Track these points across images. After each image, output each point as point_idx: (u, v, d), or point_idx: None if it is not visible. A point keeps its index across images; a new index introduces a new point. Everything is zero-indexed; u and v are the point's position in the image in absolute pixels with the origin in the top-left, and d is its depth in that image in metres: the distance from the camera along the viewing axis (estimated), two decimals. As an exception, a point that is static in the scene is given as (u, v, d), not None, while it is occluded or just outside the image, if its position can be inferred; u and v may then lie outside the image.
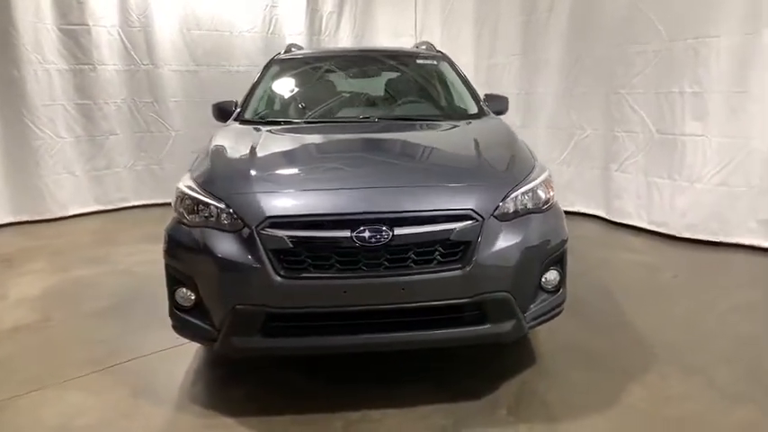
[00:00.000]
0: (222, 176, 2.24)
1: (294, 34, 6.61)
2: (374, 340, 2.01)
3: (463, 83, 3.48)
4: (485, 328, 2.05)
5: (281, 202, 2.04)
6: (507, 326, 2.07)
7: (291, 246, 1.95)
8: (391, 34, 7.01)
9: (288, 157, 2.50)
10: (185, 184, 2.25)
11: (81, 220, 5.47)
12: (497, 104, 3.35)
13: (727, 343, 2.70)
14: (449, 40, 6.10)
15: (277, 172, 2.32)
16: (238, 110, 3.23)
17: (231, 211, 2.05)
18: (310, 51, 4.28)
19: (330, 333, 2.01)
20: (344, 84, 3.57)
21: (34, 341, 2.93)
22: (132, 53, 5.69)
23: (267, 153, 2.46)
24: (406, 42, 6.85)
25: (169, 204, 5.66)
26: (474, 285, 1.99)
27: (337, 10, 6.95)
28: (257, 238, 1.96)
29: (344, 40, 7.04)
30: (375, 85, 3.58)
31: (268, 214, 1.98)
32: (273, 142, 2.68)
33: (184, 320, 2.19)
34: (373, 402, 2.21)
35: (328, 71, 3.64)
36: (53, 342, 2.92)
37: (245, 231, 1.99)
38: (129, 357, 2.69)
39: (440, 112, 3.24)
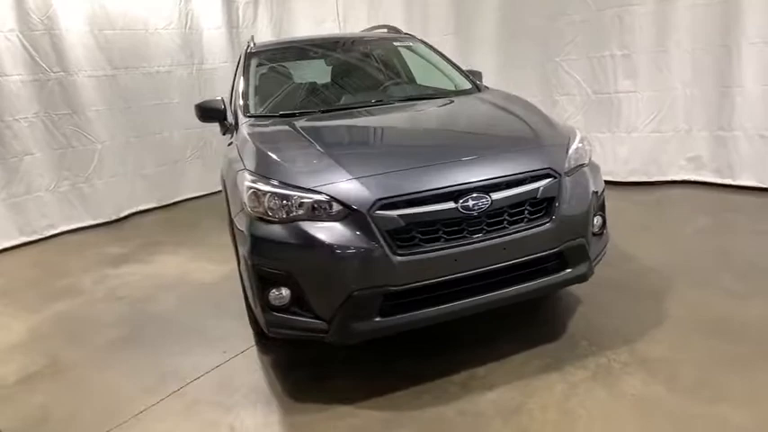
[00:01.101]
0: (305, 169, 2.20)
1: (212, 28, 6.30)
2: (481, 301, 2.16)
3: (446, 60, 3.67)
4: (567, 272, 2.30)
5: (385, 184, 2.08)
6: (583, 268, 2.35)
7: (404, 224, 2.02)
8: (312, 22, 6.95)
9: (357, 143, 2.52)
10: (261, 182, 2.18)
11: (9, 256, 4.80)
12: (476, 78, 3.60)
13: (711, 257, 3.27)
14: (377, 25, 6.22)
15: (359, 157, 2.33)
16: (240, 106, 3.10)
17: (334, 200, 2.05)
18: (283, 42, 4.18)
19: (443, 302, 2.12)
20: (337, 71, 3.58)
21: (61, 386, 2.63)
22: (39, 60, 5.03)
23: (332, 142, 2.46)
24: (330, 28, 6.87)
25: (106, 224, 5.23)
26: (559, 236, 2.23)
27: (253, 0, 6.73)
28: (371, 222, 2.00)
29: (263, 30, 6.84)
30: (365, 70, 3.64)
31: (377, 197, 2.02)
32: (325, 132, 2.66)
33: (283, 319, 2.15)
34: (471, 362, 2.38)
35: (314, 60, 3.62)
36: (85, 382, 2.64)
37: (355, 217, 2.02)
38: (189, 379, 2.54)
39: (441, 89, 3.39)
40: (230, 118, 3.31)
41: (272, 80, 3.48)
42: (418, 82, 3.58)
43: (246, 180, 2.24)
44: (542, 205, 2.21)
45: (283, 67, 3.63)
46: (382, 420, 2.09)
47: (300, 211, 2.08)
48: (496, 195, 2.11)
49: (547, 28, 5.01)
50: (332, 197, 2.06)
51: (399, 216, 2.02)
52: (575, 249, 2.29)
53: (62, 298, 3.70)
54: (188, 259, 4.24)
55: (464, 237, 2.09)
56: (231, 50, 6.51)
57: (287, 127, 2.71)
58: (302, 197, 2.09)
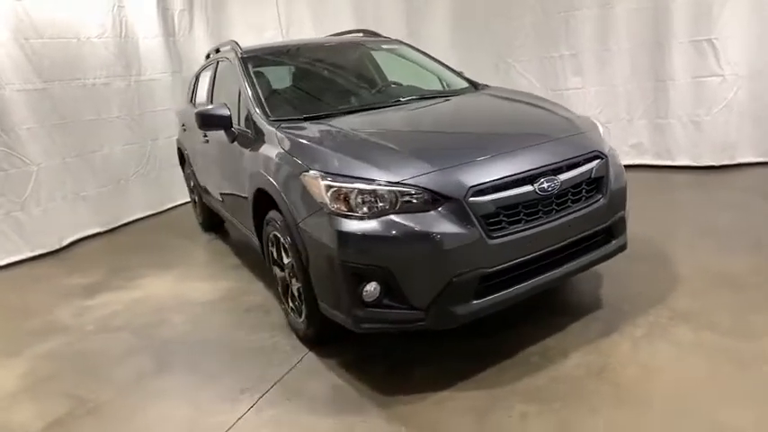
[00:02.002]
0: (384, 164, 2.23)
1: (149, 37, 5.94)
2: (555, 275, 2.34)
3: (436, 61, 3.85)
4: (612, 244, 2.57)
5: (474, 172, 2.17)
6: (623, 239, 2.63)
7: (494, 209, 2.15)
8: (253, 29, 6.79)
9: (412, 137, 2.57)
10: (343, 181, 2.18)
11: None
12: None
13: (683, 226, 3.77)
14: (324, 33, 6.25)
15: (430, 149, 2.38)
16: (258, 112, 3.00)
17: (426, 190, 2.11)
18: (274, 46, 4.07)
19: (525, 279, 2.26)
20: (338, 74, 3.59)
21: (109, 424, 2.38)
22: (-42, 74, 4.43)
23: (391, 137, 2.50)
24: (272, 36, 6.76)
25: (48, 255, 4.75)
26: (610, 211, 2.49)
27: (188, 7, 6.44)
28: (467, 208, 2.10)
29: (201, 39, 6.56)
30: (364, 72, 3.70)
31: (471, 184, 2.12)
32: (375, 129, 2.69)
33: (376, 313, 2.17)
34: (536, 337, 2.55)
35: (315, 63, 3.61)
36: (137, 416, 2.41)
37: (450, 205, 2.10)
38: (257, 393, 2.44)
39: (446, 88, 3.54)
40: (236, 125, 3.21)
41: (279, 84, 3.42)
42: (424, 81, 3.69)
43: (324, 180, 2.22)
44: (595, 184, 2.46)
45: (283, 71, 3.58)
46: (485, 398, 2.18)
47: (391, 205, 2.12)
48: (563, 177, 2.31)
49: (498, 31, 5.40)
50: (424, 188, 2.12)
51: (490, 201, 2.14)
52: (619, 222, 2.57)
53: (44, 337, 3.31)
54: (176, 280, 3.98)
55: (539, 217, 2.26)
56: (170, 60, 6.18)
57: (330, 127, 2.70)
58: (392, 191, 2.12)
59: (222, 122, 3.17)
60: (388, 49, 3.96)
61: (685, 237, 3.55)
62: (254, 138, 2.96)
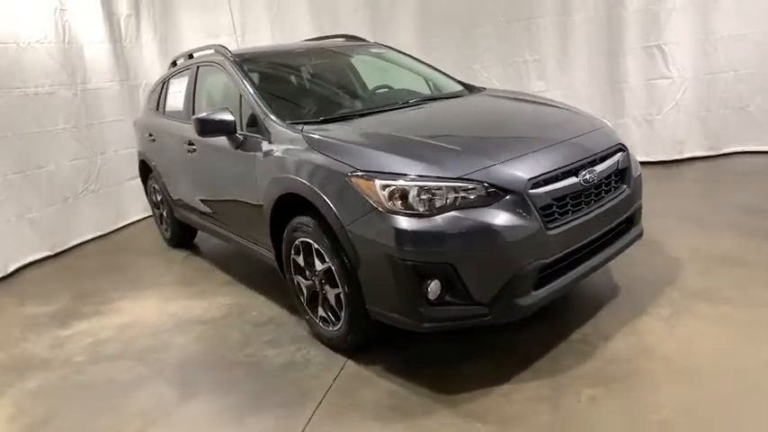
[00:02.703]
0: (439, 161, 2.22)
1: (94, 42, 5.51)
2: (595, 261, 2.44)
3: (427, 66, 3.91)
4: (632, 231, 2.73)
5: (528, 165, 2.22)
6: (640, 226, 2.81)
7: (549, 200, 2.21)
8: (204, 35, 6.50)
9: (451, 135, 2.58)
10: (400, 179, 2.15)
11: None
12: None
13: (660, 215, 4.07)
14: (283, 40, 6.15)
15: (476, 146, 2.40)
16: (270, 116, 2.89)
17: (488, 185, 2.13)
18: (260, 49, 3.93)
19: (572, 268, 2.35)
20: (339, 77, 3.54)
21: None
22: None
23: (432, 135, 2.49)
24: (227, 44, 6.48)
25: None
26: (634, 199, 2.65)
27: (135, 12, 6.05)
28: (528, 201, 2.14)
29: (148, 46, 6.20)
30: (363, 75, 3.67)
31: (528, 177, 2.17)
32: (411, 129, 2.68)
33: (441, 311, 2.16)
34: (571, 324, 2.65)
35: (311, 66, 3.53)
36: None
37: (511, 199, 2.13)
38: (313, 403, 2.33)
39: (439, 91, 3.60)
40: (240, 130, 3.07)
41: (279, 88, 3.31)
42: (423, 84, 3.71)
43: (378, 180, 2.18)
44: (621, 176, 2.61)
45: (281, 75, 3.47)
46: (549, 386, 2.22)
47: (451, 201, 2.12)
48: (598, 168, 2.43)
49: (462, 38, 5.58)
50: (484, 182, 2.14)
51: (545, 193, 2.21)
52: (638, 210, 2.74)
53: (21, 373, 2.95)
54: (162, 301, 3.70)
55: (582, 208, 2.36)
56: (117, 68, 5.77)
57: (359, 128, 2.66)
58: (452, 187, 2.13)
59: (226, 128, 3.01)
60: (376, 54, 3.97)
61: (665, 224, 3.83)
62: (269, 142, 2.84)
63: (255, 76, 3.27)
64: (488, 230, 2.09)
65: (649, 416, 2.00)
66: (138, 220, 5.94)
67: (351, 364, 2.60)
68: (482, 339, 2.62)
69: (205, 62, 3.77)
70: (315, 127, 2.73)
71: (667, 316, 2.63)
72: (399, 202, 2.15)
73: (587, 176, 2.35)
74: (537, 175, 2.21)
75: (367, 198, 2.21)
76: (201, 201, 3.80)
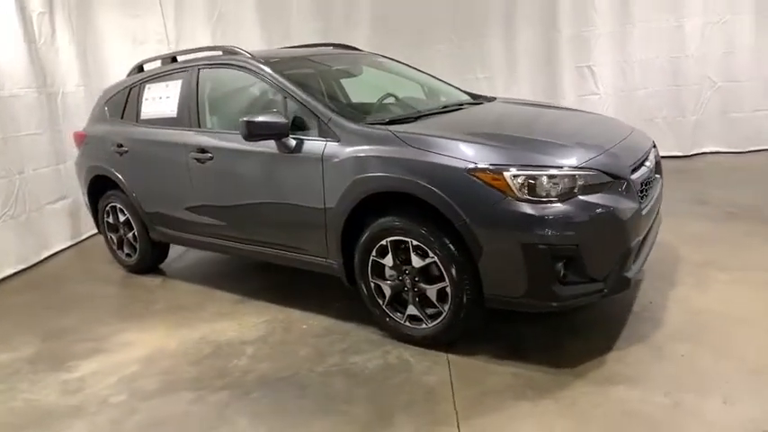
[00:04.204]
0: (555, 153, 2.47)
1: (6, 42, 4.78)
2: (651, 239, 2.89)
3: (432, 76, 4.17)
4: (660, 216, 3.25)
5: (621, 156, 2.58)
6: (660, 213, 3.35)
7: (640, 185, 2.59)
8: (129, 41, 6.00)
9: (536, 133, 2.83)
10: (532, 170, 2.36)
11: None
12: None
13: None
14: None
15: (576, 139, 2.70)
16: (334, 118, 2.89)
17: (602, 172, 2.42)
18: (274, 53, 3.79)
19: (644, 244, 2.75)
20: (370, 83, 3.61)
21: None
22: None
23: (526, 132, 2.77)
24: (157, 50, 6.03)
25: None
26: (661, 192, 3.17)
27: (48, 10, 5.35)
28: (632, 185, 2.49)
29: (65, 48, 5.51)
30: (391, 81, 3.79)
31: (628, 164, 2.53)
32: (498, 128, 2.94)
33: (570, 290, 2.39)
34: (626, 301, 3.04)
35: (340, 71, 3.58)
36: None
37: (619, 184, 2.45)
38: (447, 402, 2.37)
39: (460, 99, 3.84)
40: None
41: (320, 91, 3.30)
42: (438, 89, 3.95)
43: (507, 171, 2.35)
44: (657, 167, 3.12)
45: (313, 78, 3.45)
46: (647, 348, 2.55)
47: (576, 187, 2.38)
48: (650, 160, 2.90)
49: (416, 56, 5.90)
50: (599, 170, 2.44)
51: (637, 178, 2.58)
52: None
53: (50, 425, 2.50)
54: (171, 328, 3.35)
55: (648, 195, 2.79)
56: (33, 73, 5.03)
57: (438, 127, 2.82)
58: (576, 175, 2.39)
59: (279, 131, 2.94)
60: (378, 63, 4.11)
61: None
62: (337, 143, 2.83)
63: (297, 79, 3.22)
64: (609, 212, 2.39)
65: (747, 357, 2.42)
66: (63, 250, 5.19)
67: (453, 357, 2.68)
68: (550, 323, 2.88)
69: (213, 64, 3.58)
70: (398, 127, 2.81)
71: (694, 285, 3.16)
72: (528, 191, 2.35)
73: (649, 166, 2.80)
74: (632, 162, 2.59)
75: (494, 189, 2.37)
76: (210, 212, 3.55)
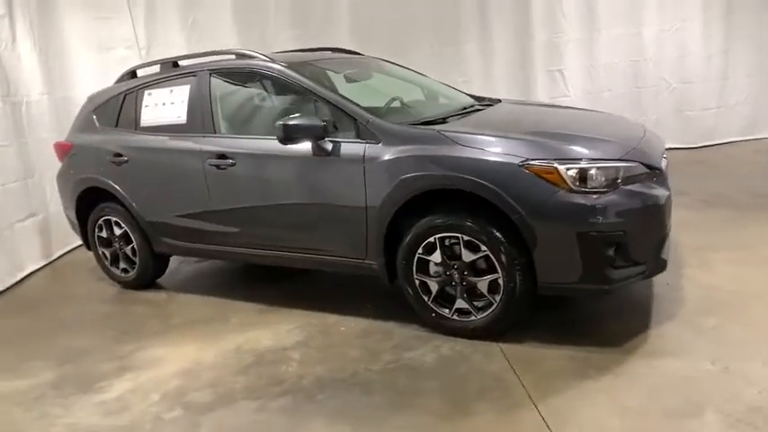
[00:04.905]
0: (597, 147, 2.68)
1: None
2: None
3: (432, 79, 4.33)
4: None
5: (647, 149, 2.83)
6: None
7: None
8: (95, 48, 5.74)
9: (571, 128, 3.07)
10: (583, 162, 2.55)
11: None
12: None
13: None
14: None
15: (609, 135, 2.93)
16: (372, 119, 2.98)
17: (641, 163, 2.66)
18: (288, 55, 3.77)
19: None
20: (386, 86, 3.70)
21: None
22: None
23: (558, 128, 2.98)
24: (126, 57, 5.80)
25: None
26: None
27: (8, 12, 5.02)
28: (664, 174, 2.75)
29: (27, 55, 5.19)
30: (404, 84, 3.90)
31: (658, 155, 2.79)
32: (531, 125, 3.15)
33: (620, 273, 2.60)
34: (645, 285, 3.28)
35: (356, 75, 3.66)
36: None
37: (654, 173, 2.69)
38: (517, 389, 2.51)
39: (469, 101, 4.01)
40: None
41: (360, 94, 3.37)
42: (448, 93, 4.11)
43: (562, 165, 2.54)
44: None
45: (335, 82, 3.51)
46: (680, 324, 2.81)
47: (621, 178, 2.59)
48: (666, 155, 3.20)
49: (398, 61, 6.09)
50: (639, 162, 2.68)
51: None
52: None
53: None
54: (201, 341, 3.27)
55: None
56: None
57: (483, 129, 2.97)
58: (620, 166, 2.60)
59: (317, 133, 2.99)
60: (382, 66, 4.23)
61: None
62: (379, 144, 2.91)
63: (328, 83, 3.29)
64: (652, 200, 2.63)
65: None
66: (37, 270, 4.88)
67: (504, 346, 2.82)
68: (581, 310, 3.10)
69: (227, 68, 3.55)
70: (442, 127, 2.95)
71: (699, 266, 3.49)
72: (580, 183, 2.55)
73: (665, 159, 3.09)
74: (660, 153, 2.87)
75: (548, 183, 2.55)
76: (230, 219, 3.50)
